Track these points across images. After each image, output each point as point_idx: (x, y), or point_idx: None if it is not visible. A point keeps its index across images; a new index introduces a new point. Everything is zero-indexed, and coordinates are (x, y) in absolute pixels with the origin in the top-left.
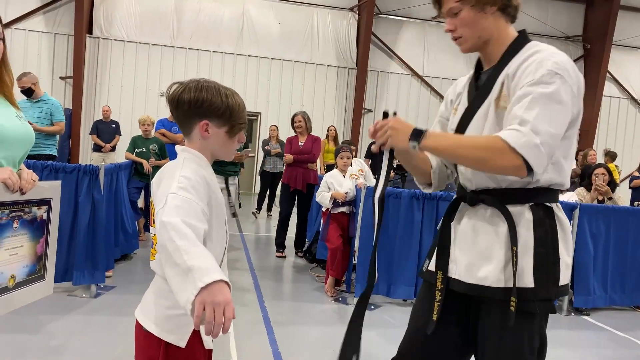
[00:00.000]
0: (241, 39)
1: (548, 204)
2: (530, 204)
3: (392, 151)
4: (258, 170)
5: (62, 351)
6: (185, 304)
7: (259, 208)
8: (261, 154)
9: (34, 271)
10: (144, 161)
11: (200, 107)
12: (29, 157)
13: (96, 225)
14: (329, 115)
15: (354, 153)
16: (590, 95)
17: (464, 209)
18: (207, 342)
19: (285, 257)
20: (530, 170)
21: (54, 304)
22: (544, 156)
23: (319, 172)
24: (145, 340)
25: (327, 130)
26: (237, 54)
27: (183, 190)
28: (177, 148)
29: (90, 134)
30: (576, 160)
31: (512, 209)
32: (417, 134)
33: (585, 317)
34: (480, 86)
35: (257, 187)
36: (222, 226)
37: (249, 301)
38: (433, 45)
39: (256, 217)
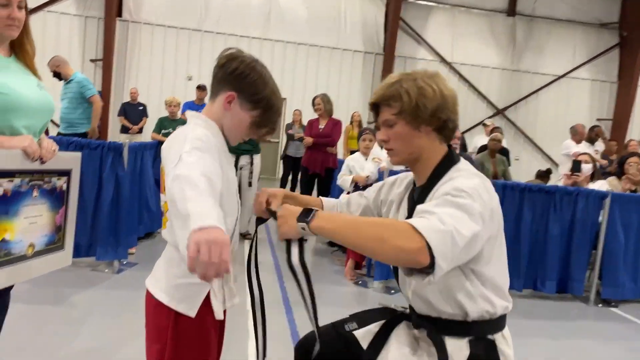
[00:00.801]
0: (268, 23)
1: (490, 337)
2: (470, 338)
3: (300, 241)
4: (281, 155)
5: (82, 323)
6: (184, 252)
7: None
8: (284, 139)
9: (53, 241)
10: None
11: (241, 80)
12: (64, 135)
13: (119, 202)
14: (354, 101)
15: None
16: (625, 84)
17: (407, 328)
18: (219, 313)
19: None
20: (432, 258)
21: (77, 278)
22: (449, 245)
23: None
24: (155, 309)
25: (352, 116)
26: (264, 39)
27: (197, 149)
28: (188, 113)
29: (118, 115)
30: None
31: (450, 342)
32: (305, 214)
33: (613, 309)
34: (415, 202)
35: (280, 172)
36: (232, 196)
37: (269, 281)
38: (462, 32)
39: None
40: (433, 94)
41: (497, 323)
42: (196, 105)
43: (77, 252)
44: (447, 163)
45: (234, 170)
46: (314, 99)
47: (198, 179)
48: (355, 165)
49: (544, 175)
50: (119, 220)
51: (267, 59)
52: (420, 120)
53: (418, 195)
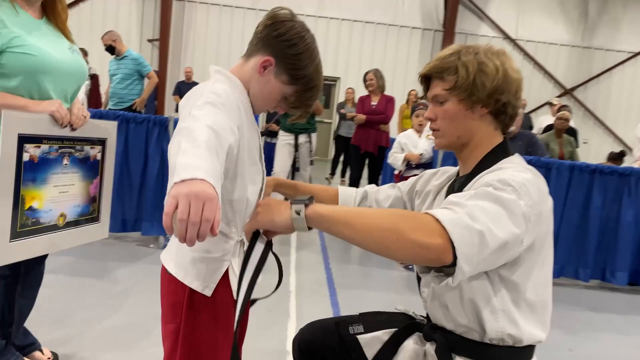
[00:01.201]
0: (323, 0)
1: None
2: None
3: (268, 244)
4: (333, 136)
5: (124, 297)
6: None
7: (333, 173)
8: (336, 119)
9: (87, 212)
10: None
11: (285, 48)
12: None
13: (166, 177)
14: (411, 80)
15: None
16: None
17: (419, 342)
18: (236, 291)
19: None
20: (454, 258)
21: (122, 252)
22: (476, 246)
23: None
24: (169, 286)
25: (408, 95)
26: (319, 17)
27: (210, 105)
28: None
29: (173, 94)
30: None
31: None
32: (301, 199)
33: None
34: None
35: (332, 153)
36: (255, 163)
37: (314, 262)
38: (528, 7)
39: (329, 183)
40: (495, 72)
41: (521, 355)
42: None
43: (124, 227)
44: (499, 153)
45: (258, 136)
46: (365, 75)
47: (200, 131)
48: (408, 142)
49: (617, 158)
50: (165, 195)
51: (321, 37)
52: (475, 99)
53: (459, 186)
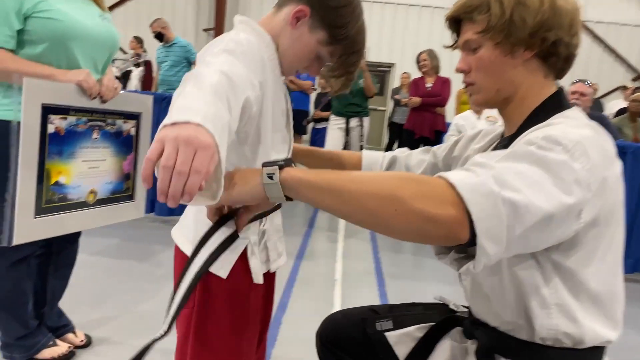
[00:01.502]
0: None
1: None
2: None
3: (233, 236)
4: (387, 123)
5: (165, 281)
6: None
7: None
8: (390, 106)
9: (120, 190)
10: None
11: None
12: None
13: None
14: None
15: None
16: None
17: (459, 339)
18: (258, 275)
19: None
20: (472, 233)
21: (168, 236)
22: (503, 219)
23: None
24: (180, 261)
25: None
26: (373, 2)
27: (228, 53)
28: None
29: None
30: None
31: None
32: (275, 162)
33: None
34: None
35: (386, 141)
36: (280, 129)
37: (363, 250)
38: None
39: None
40: (538, 3)
41: (577, 357)
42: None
43: (171, 211)
44: (551, 106)
45: (286, 99)
46: (418, 55)
47: (210, 75)
48: (466, 124)
49: None
50: None
51: (376, 22)
52: (514, 41)
53: (503, 148)
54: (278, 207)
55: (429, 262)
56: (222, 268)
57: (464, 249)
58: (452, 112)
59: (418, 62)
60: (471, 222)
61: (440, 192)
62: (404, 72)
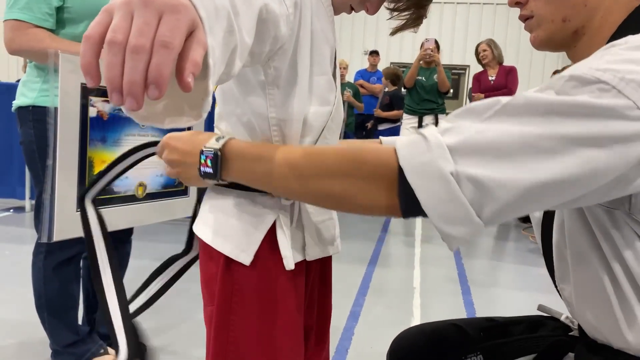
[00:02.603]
0: None
1: None
2: None
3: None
4: None
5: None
6: None
7: None
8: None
9: (172, 184)
10: None
11: None
12: None
13: None
14: (551, 61)
15: None
16: None
17: None
18: (288, 260)
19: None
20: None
21: None
22: (463, 202)
23: None
24: (203, 255)
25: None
26: (445, 2)
27: None
28: None
29: None
30: None
31: None
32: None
33: None
34: None
35: None
36: (325, 72)
37: (442, 256)
38: None
39: None
40: None
41: None
42: (368, 73)
43: None
44: (630, 26)
45: (331, 40)
46: (477, 47)
47: None
48: None
49: None
50: None
51: (448, 24)
52: None
53: None
54: None
55: (516, 268)
56: (242, 252)
57: None
58: None
59: (477, 53)
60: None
61: (381, 180)
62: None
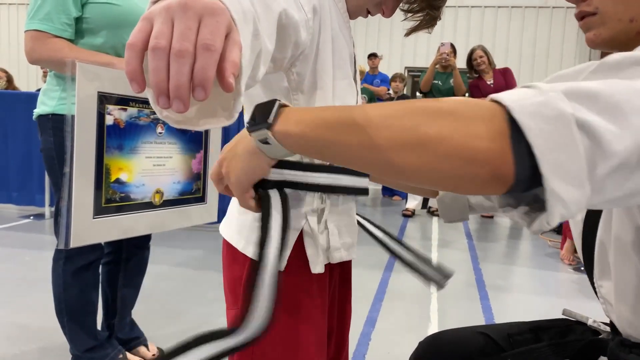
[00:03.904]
0: None
1: None
2: None
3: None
4: None
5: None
6: None
7: None
8: None
9: (190, 190)
10: None
11: None
12: None
13: None
14: (568, 64)
15: None
16: None
17: None
18: (314, 263)
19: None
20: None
21: None
22: (579, 150)
23: None
24: (227, 256)
25: None
26: (459, 6)
27: None
28: None
29: None
30: None
31: None
32: (261, 114)
33: None
34: None
35: None
36: (347, 76)
37: (460, 260)
38: None
39: None
40: None
41: None
42: (371, 76)
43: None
44: None
45: (350, 44)
46: (471, 53)
47: None
48: None
49: None
50: None
51: (462, 28)
52: None
53: None
54: None
55: (536, 273)
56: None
57: (537, 198)
58: None
59: (472, 60)
60: (532, 156)
61: (483, 117)
62: None
